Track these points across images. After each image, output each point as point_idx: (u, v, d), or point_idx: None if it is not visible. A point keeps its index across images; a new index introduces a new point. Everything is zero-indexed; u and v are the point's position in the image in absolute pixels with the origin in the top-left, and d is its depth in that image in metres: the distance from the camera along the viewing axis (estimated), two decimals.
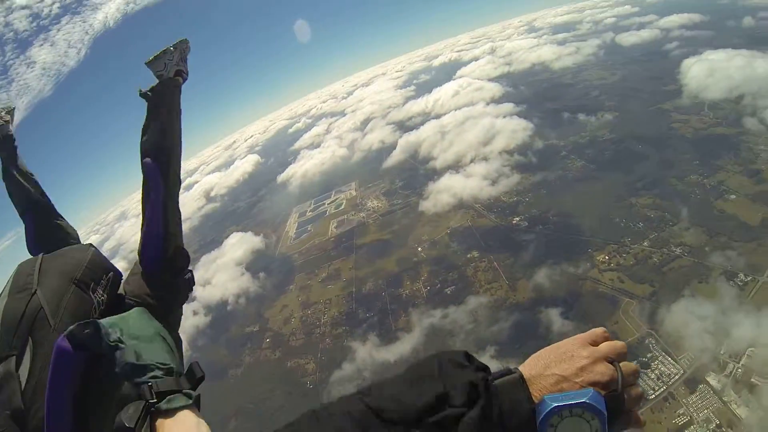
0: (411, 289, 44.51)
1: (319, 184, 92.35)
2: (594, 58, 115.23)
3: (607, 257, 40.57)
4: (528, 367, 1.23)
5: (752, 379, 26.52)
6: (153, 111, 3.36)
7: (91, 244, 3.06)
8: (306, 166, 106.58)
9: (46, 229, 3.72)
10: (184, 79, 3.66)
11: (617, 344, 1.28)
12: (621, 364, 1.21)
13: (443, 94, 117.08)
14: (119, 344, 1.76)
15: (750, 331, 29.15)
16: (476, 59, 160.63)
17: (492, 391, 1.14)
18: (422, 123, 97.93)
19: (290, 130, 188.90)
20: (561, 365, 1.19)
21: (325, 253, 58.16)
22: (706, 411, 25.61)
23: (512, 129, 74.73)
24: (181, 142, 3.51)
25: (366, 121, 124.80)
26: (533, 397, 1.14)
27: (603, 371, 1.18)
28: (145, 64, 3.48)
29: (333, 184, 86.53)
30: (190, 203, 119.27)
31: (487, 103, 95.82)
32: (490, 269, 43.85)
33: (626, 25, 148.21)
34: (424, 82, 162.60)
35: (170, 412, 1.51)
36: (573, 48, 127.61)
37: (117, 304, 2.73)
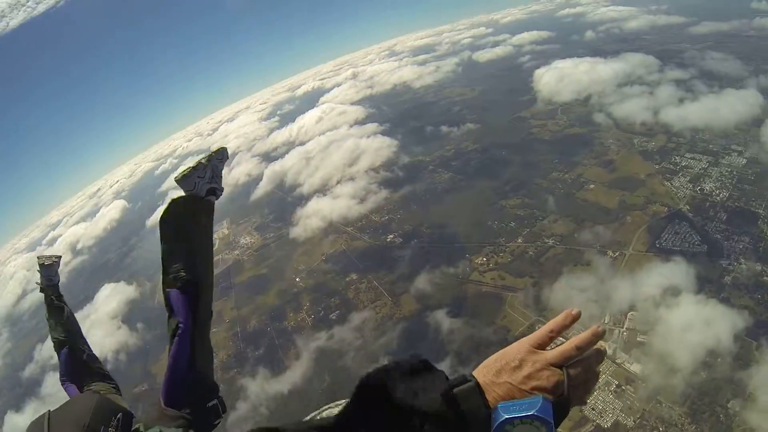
0: (295, 320, 44.63)
1: None
2: (453, 75, 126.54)
3: (485, 258, 42.88)
4: (481, 375, 1.40)
5: (638, 338, 30.77)
6: (179, 233, 3.17)
7: (97, 392, 3.35)
8: None
9: (78, 364, 4.13)
10: (218, 197, 3.42)
11: (565, 349, 1.45)
12: (570, 369, 1.41)
13: (307, 121, 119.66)
14: None
15: (628, 292, 34.07)
16: (339, 85, 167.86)
17: (454, 400, 1.30)
18: (287, 152, 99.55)
19: (157, 172, 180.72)
20: (511, 374, 1.37)
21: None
22: (604, 375, 28.54)
23: (377, 147, 78.23)
24: (213, 269, 3.40)
25: (232, 156, 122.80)
26: (489, 404, 1.31)
27: (548, 377, 1.36)
28: (175, 180, 3.23)
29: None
30: None
31: (351, 126, 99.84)
32: (371, 289, 44.30)
33: (482, 44, 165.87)
34: (288, 112, 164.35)
35: None
36: (433, 67, 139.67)
37: None
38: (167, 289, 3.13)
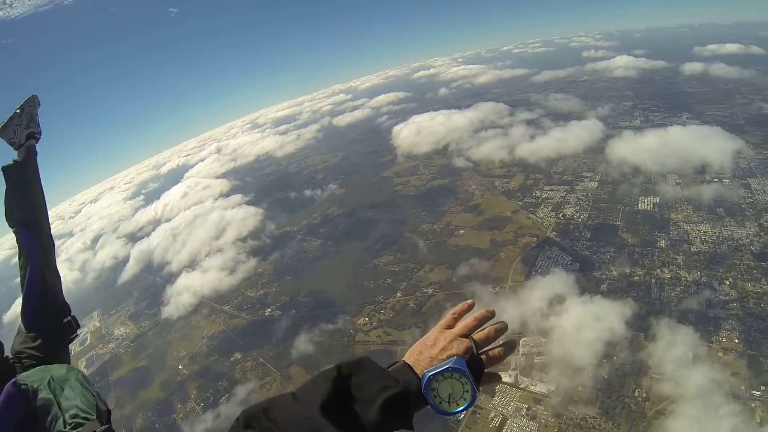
0: (184, 410, 41.13)
1: None
2: (314, 141, 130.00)
3: (367, 318, 41.93)
4: (408, 357, 1.87)
5: (535, 360, 31.85)
6: (13, 183, 3.64)
7: None
8: None
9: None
10: (37, 140, 3.92)
11: (467, 322, 1.94)
12: (474, 335, 1.89)
13: (172, 197, 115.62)
14: (45, 401, 2.23)
15: (516, 312, 35.25)
16: (203, 160, 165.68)
17: (392, 376, 1.74)
18: (153, 230, 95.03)
19: (12, 263, 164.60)
20: (429, 350, 1.83)
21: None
22: (512, 403, 29.59)
23: (242, 217, 77.01)
24: (45, 202, 3.91)
25: (96, 239, 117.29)
26: (418, 375, 1.76)
27: (458, 345, 1.83)
28: None
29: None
30: None
31: (216, 199, 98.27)
32: (257, 366, 41.95)
33: (341, 109, 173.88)
34: (153, 190, 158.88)
35: None
36: (294, 136, 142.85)
37: (6, 371, 3.01)
38: (15, 231, 3.67)
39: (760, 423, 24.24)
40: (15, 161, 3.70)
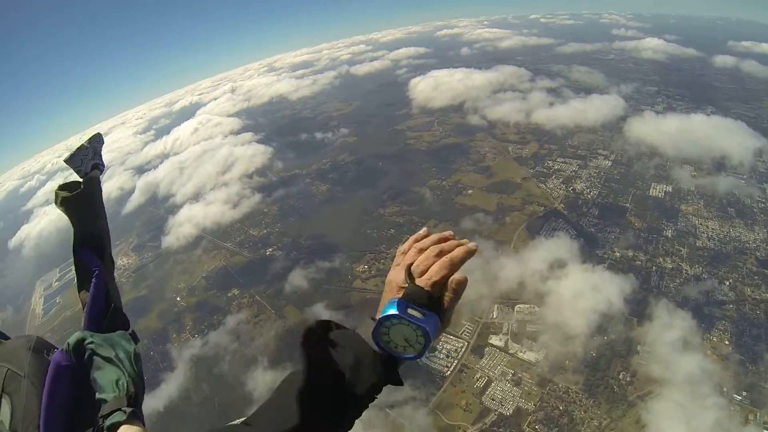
0: (179, 341, 42.03)
1: (60, 245, 78.96)
2: (330, 88, 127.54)
3: (366, 266, 42.09)
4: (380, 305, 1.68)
5: (527, 328, 32.09)
6: (80, 206, 3.62)
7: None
8: (41, 224, 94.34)
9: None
10: (102, 172, 3.92)
11: (407, 254, 1.71)
12: (412, 266, 1.63)
13: (182, 132, 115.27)
14: (94, 358, 2.21)
15: (515, 270, 35.92)
16: (216, 99, 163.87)
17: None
18: (161, 164, 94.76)
19: (22, 190, 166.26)
20: (388, 294, 1.64)
21: (80, 325, 49.15)
22: (499, 367, 29.97)
23: (251, 154, 76.59)
24: (107, 225, 3.87)
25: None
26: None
27: (398, 273, 1.64)
28: (64, 161, 3.73)
29: None
30: None
31: (226, 136, 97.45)
32: (253, 303, 42.53)
33: (360, 59, 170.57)
34: (163, 126, 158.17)
35: (113, 428, 1.80)
36: (310, 81, 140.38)
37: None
38: (77, 249, 3.55)
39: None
40: (80, 186, 3.70)
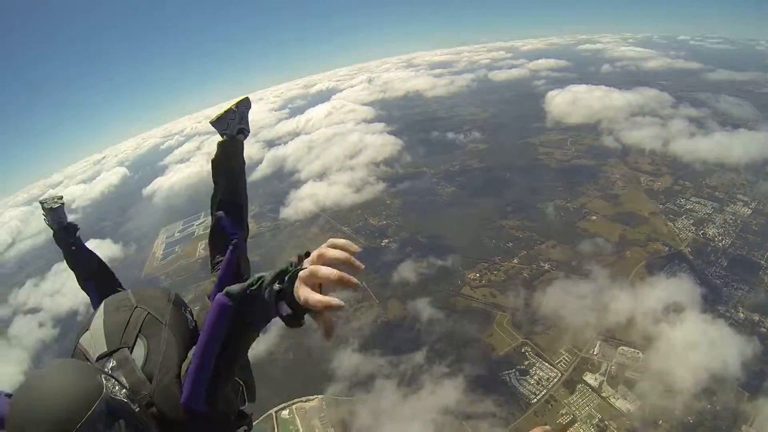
0: None
1: (187, 201, 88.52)
2: (467, 90, 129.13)
3: (478, 275, 42.98)
4: None
5: (626, 374, 30.34)
6: (224, 168, 4.04)
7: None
8: (173, 179, 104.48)
9: (109, 291, 4.03)
10: (246, 136, 4.27)
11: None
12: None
13: (316, 114, 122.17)
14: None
15: (627, 304, 34.75)
16: (353, 87, 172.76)
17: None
18: (291, 141, 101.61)
19: (162, 147, 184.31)
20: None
21: (191, 275, 55.20)
22: (588, 408, 28.70)
23: (381, 144, 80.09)
24: (247, 194, 4.25)
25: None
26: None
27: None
28: (210, 123, 4.12)
29: (203, 202, 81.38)
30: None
31: (358, 123, 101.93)
32: (359, 289, 44.16)
33: (499, 65, 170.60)
34: (298, 106, 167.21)
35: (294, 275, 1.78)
36: (447, 80, 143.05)
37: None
38: (217, 213, 3.97)
39: None
40: (223, 143, 4.13)
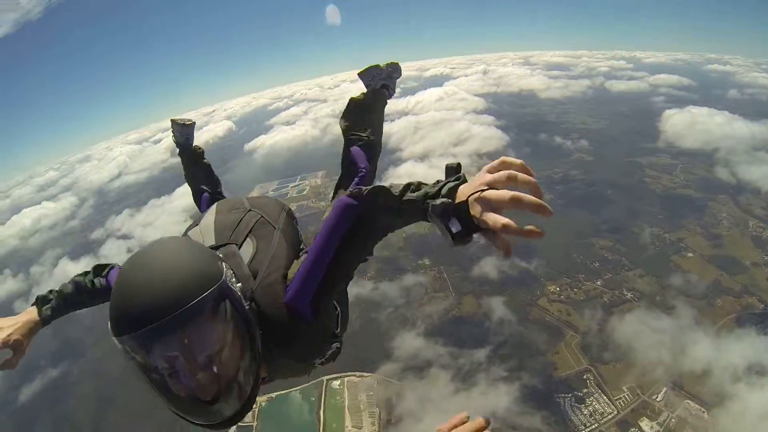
0: (354, 282, 45.95)
1: (285, 162, 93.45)
2: (581, 96, 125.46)
3: (558, 288, 42.95)
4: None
5: (686, 430, 28.46)
6: (365, 108, 4.18)
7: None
8: (276, 138, 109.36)
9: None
10: (390, 95, 4.43)
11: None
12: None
13: (426, 97, 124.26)
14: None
15: (708, 352, 32.99)
16: (467, 76, 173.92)
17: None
18: (398, 119, 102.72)
19: (270, 108, 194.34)
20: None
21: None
22: None
23: (487, 136, 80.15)
24: (381, 145, 4.29)
25: (339, 114, 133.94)
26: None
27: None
28: (357, 74, 4.42)
29: (301, 166, 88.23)
30: (155, 155, 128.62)
31: (467, 113, 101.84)
32: (438, 279, 45.57)
33: (618, 75, 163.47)
34: (410, 88, 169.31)
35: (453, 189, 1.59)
36: (563, 83, 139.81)
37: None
38: (350, 147, 4.00)
39: None
40: (366, 94, 4.26)
